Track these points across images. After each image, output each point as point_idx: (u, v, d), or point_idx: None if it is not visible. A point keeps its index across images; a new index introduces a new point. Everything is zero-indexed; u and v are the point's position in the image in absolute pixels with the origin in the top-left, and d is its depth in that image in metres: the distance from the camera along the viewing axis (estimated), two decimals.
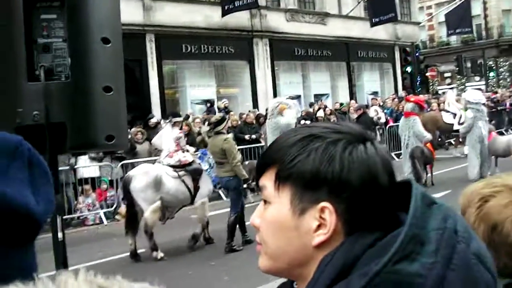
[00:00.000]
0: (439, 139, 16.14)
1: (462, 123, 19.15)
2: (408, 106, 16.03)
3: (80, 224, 14.47)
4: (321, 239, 1.13)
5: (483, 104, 16.47)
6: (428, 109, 21.75)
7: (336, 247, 1.12)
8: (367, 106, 25.40)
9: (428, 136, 15.40)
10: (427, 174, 15.41)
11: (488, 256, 1.08)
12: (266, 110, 21.43)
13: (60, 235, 2.65)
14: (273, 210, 1.19)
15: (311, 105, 24.66)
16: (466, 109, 17.47)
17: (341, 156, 1.13)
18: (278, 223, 1.18)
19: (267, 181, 1.21)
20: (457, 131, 20.16)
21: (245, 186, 10.94)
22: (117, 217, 14.74)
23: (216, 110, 23.41)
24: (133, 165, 15.31)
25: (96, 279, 0.72)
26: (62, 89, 2.54)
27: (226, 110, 20.80)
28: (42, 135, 2.44)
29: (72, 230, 13.71)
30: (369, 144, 1.18)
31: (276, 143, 1.23)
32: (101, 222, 14.55)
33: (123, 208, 14.79)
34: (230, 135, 12.61)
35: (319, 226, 1.13)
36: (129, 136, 16.13)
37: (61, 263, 2.64)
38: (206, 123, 18.66)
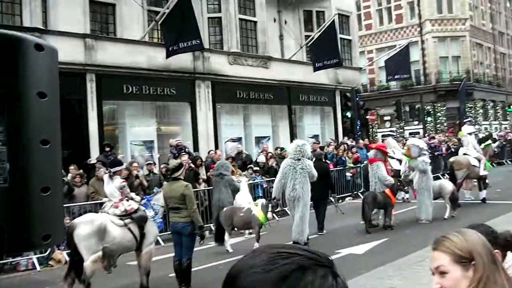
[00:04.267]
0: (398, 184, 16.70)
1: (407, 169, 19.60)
2: (371, 153, 16.97)
3: (12, 270, 14.05)
4: None
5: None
6: None
7: None
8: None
9: (390, 180, 16.09)
10: (385, 218, 16.01)
11: None
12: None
13: None
14: None
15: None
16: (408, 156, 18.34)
17: None
18: None
19: None
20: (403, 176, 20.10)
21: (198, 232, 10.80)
22: (50, 263, 14.42)
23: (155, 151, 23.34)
24: (69, 209, 15.09)
25: None
26: (1, 194, 2.55)
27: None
28: None
29: (3, 276, 13.33)
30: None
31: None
32: (34, 268, 14.16)
33: (57, 253, 14.53)
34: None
35: None
36: (67, 179, 15.89)
37: None
38: (145, 167, 18.61)
